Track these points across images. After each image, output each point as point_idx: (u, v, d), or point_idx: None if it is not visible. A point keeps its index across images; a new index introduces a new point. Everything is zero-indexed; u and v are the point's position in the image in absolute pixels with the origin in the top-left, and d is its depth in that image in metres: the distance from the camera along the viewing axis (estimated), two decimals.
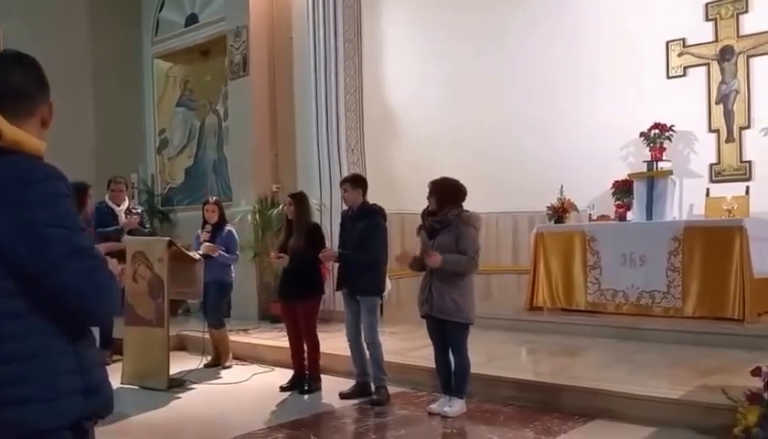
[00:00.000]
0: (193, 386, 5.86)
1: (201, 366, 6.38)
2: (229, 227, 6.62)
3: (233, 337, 6.96)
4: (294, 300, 5.43)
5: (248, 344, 7.05)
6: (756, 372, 3.83)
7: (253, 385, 5.87)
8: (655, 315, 6.94)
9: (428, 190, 4.81)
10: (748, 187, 8.61)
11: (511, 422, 4.55)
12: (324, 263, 5.67)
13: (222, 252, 6.30)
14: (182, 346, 7.38)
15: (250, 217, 8.48)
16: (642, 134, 9.57)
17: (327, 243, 5.84)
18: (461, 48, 10.15)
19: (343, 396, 5.19)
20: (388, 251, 5.28)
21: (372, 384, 5.17)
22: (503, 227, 10.34)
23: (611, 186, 9.50)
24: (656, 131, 9.42)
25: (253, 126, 9.08)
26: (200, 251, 6.20)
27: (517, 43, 10.22)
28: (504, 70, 10.19)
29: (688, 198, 9.24)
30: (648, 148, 9.54)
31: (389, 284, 5.93)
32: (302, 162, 8.59)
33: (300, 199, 5.65)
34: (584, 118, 9.87)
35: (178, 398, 5.52)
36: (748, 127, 9.04)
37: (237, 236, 6.64)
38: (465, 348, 4.72)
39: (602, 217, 9.27)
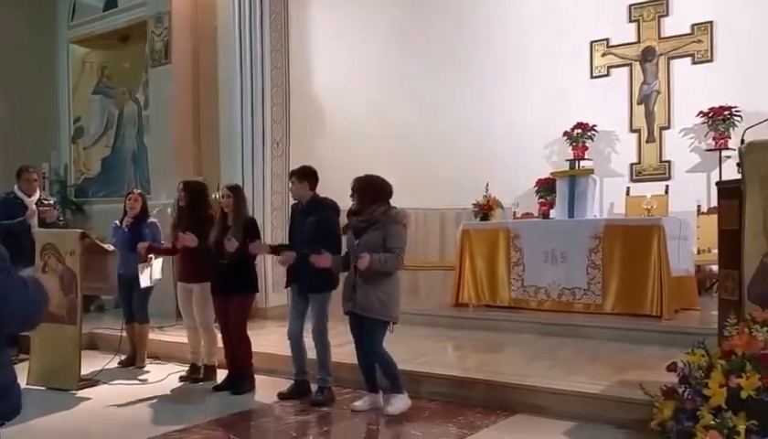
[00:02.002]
0: (105, 386, 5.61)
1: (115, 365, 6.15)
2: (152, 219, 6.43)
3: (149, 335, 6.70)
4: (229, 296, 5.26)
5: (164, 342, 6.80)
6: (671, 368, 3.92)
7: (170, 384, 5.66)
8: (575, 312, 7.07)
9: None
10: (667, 187, 8.94)
11: (435, 417, 4.54)
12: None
13: (156, 264, 6.18)
14: (93, 344, 7.05)
15: (170, 210, 8.20)
16: (565, 134, 9.82)
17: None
18: (390, 44, 10.13)
19: (281, 396, 5.05)
20: (341, 245, 5.14)
21: (315, 384, 5.02)
22: (430, 223, 10.39)
23: (535, 184, 9.69)
24: (579, 130, 9.69)
25: (175, 116, 8.77)
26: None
27: (446, 41, 10.28)
28: (432, 68, 10.23)
29: (609, 197, 9.53)
30: (571, 147, 9.79)
31: None
32: (225, 154, 8.35)
33: (238, 192, 5.46)
34: (510, 117, 10.04)
35: (89, 398, 5.27)
36: (668, 127, 9.40)
37: (160, 227, 6.47)
38: (381, 345, 4.64)
39: (527, 214, 9.46)
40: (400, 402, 4.57)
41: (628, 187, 9.22)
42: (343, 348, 5.63)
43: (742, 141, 4.06)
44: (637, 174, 9.49)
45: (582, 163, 9.62)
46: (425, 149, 10.03)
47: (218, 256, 5.21)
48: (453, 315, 7.67)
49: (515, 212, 9.49)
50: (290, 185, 5.23)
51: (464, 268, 7.93)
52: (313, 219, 4.98)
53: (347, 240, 4.78)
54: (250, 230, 5.28)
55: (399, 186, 10.29)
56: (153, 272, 6.14)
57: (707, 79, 8.96)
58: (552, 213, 8.80)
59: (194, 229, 5.46)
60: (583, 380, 4.76)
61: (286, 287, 5.19)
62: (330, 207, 5.08)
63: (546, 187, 9.38)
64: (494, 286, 7.74)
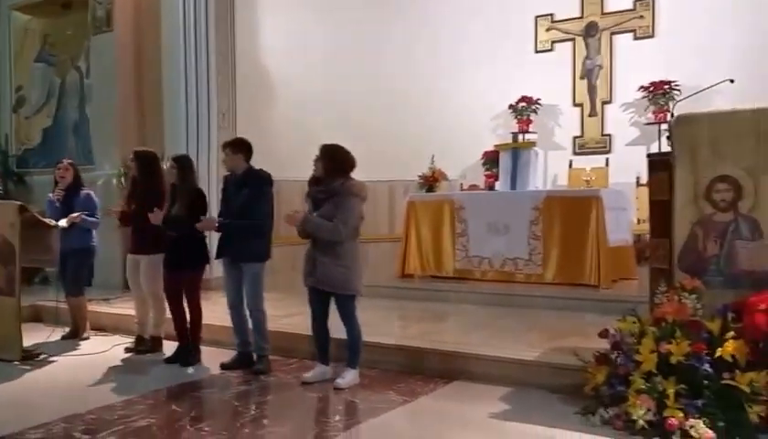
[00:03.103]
0: (48, 358, 5.52)
1: (58, 338, 6.06)
2: (86, 190, 6.25)
3: (94, 307, 6.63)
4: (180, 269, 5.21)
5: (110, 314, 6.71)
6: (604, 335, 4.08)
7: (115, 356, 5.61)
8: (517, 282, 7.25)
9: (314, 155, 4.66)
10: (608, 160, 9.18)
11: (375, 385, 4.61)
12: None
13: (85, 217, 5.96)
14: (37, 317, 6.92)
15: (114, 181, 8.04)
16: (511, 107, 9.97)
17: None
18: (340, 13, 10.03)
19: (224, 367, 5.04)
20: (274, 217, 5.12)
21: (254, 354, 5.05)
22: (380, 195, 10.42)
23: (481, 156, 9.83)
24: (524, 104, 9.84)
25: (117, 85, 8.55)
26: (64, 223, 5.82)
27: (396, 13, 10.25)
28: (382, 40, 10.20)
29: (553, 170, 9.76)
30: (516, 120, 9.96)
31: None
32: (169, 125, 8.18)
33: (184, 163, 5.36)
34: (457, 90, 10.13)
35: (32, 370, 5.20)
36: (610, 102, 9.62)
37: (96, 199, 6.28)
38: (356, 318, 4.68)
39: (473, 186, 9.60)
40: (351, 376, 4.62)
41: (571, 160, 9.44)
42: (291, 319, 5.69)
43: (672, 115, 4.21)
44: (579, 147, 9.72)
45: (527, 136, 9.81)
46: (375, 121, 10.03)
47: (169, 229, 5.15)
48: (399, 286, 7.76)
49: (461, 184, 9.63)
50: (223, 156, 5.17)
51: (409, 239, 8.02)
52: (247, 190, 4.95)
53: (306, 210, 4.75)
54: (198, 202, 5.22)
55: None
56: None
57: (648, 54, 9.19)
58: (497, 185, 8.95)
59: (147, 200, 5.36)
60: (521, 348, 4.89)
61: (217, 258, 5.15)
62: (264, 178, 5.05)
63: (491, 160, 9.53)
64: (439, 257, 7.86)
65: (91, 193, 6.29)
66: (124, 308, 6.61)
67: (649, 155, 4.42)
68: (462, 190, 9.08)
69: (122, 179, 7.84)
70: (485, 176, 9.79)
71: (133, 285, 5.77)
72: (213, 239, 5.39)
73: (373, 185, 10.01)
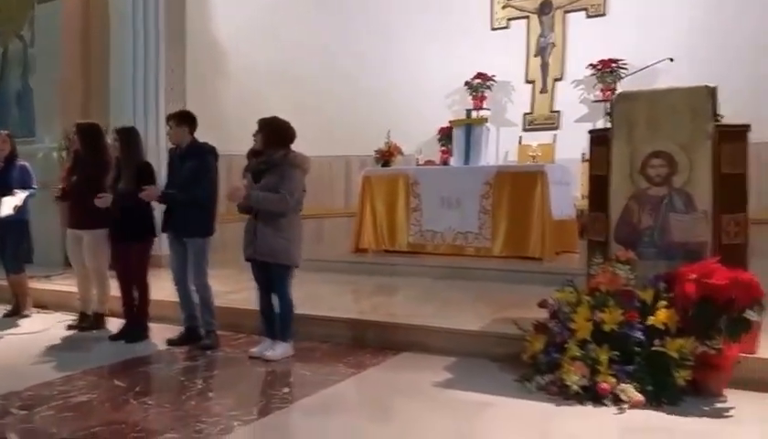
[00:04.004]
0: None
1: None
2: (21, 161, 6.12)
3: (35, 284, 6.50)
4: (126, 243, 5.13)
5: (52, 291, 6.60)
6: (542, 304, 4.20)
7: (57, 333, 5.52)
8: (467, 255, 7.37)
9: (256, 128, 4.64)
10: (555, 136, 9.33)
11: (325, 358, 4.66)
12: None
13: (23, 197, 5.87)
14: None
15: (55, 154, 7.86)
16: (466, 83, 10.03)
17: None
18: None
19: (171, 342, 5.01)
20: (218, 191, 5.09)
21: (201, 329, 5.02)
22: (336, 170, 10.44)
23: (437, 132, 9.90)
24: (479, 80, 9.91)
25: (62, 56, 8.33)
26: (9, 211, 5.69)
27: None
28: (337, 15, 10.14)
29: (505, 146, 9.89)
30: (471, 97, 10.04)
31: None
32: (116, 98, 7.98)
33: (127, 135, 5.25)
34: (414, 66, 10.16)
35: None
36: (561, 79, 9.74)
37: (32, 170, 6.16)
38: (289, 291, 4.69)
39: (429, 162, 9.65)
40: (282, 349, 4.63)
41: (520, 136, 9.57)
42: (239, 295, 5.69)
43: (612, 91, 4.31)
44: (529, 123, 9.85)
45: (481, 112, 9.90)
46: (331, 97, 10.01)
47: (113, 203, 5.07)
48: (353, 261, 7.81)
49: (417, 159, 9.67)
50: (167, 129, 5.10)
51: (364, 214, 8.07)
52: (191, 163, 4.91)
53: (247, 182, 4.73)
54: (144, 176, 5.14)
55: (304, 133, 10.24)
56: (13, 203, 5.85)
57: (599, 32, 9.32)
58: (451, 161, 9.04)
59: (90, 174, 5.28)
60: (467, 319, 5.00)
61: (162, 232, 5.11)
62: (208, 151, 5.01)
63: (446, 135, 9.62)
64: (393, 232, 7.93)
65: (27, 165, 6.16)
66: (66, 285, 6.49)
67: (590, 132, 4.53)
68: (418, 165, 9.13)
69: (64, 153, 7.66)
70: (441, 151, 9.88)
71: (74, 261, 5.65)
72: (160, 213, 5.33)
73: (329, 160, 10.19)
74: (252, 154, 4.67)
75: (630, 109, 4.15)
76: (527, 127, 9.84)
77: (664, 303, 3.69)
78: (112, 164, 5.28)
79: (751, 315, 3.51)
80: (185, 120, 5.03)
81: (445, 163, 9.28)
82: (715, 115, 3.90)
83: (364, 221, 8.07)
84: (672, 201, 3.97)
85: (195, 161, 4.92)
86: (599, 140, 4.31)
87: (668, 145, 3.96)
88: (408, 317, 5.19)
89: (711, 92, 3.89)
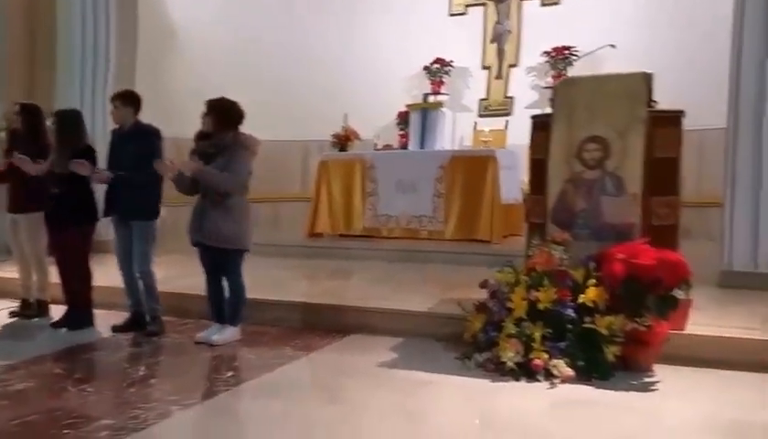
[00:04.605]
0: None
1: None
2: None
3: None
4: (65, 228, 5.00)
5: None
6: (483, 285, 4.31)
7: None
8: (421, 238, 7.49)
9: (204, 110, 4.61)
10: (507, 122, 9.45)
11: (273, 341, 4.70)
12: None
13: None
14: None
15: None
16: (425, 68, 10.11)
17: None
18: None
19: (116, 329, 4.96)
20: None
21: (147, 315, 4.99)
22: (293, 155, 10.42)
23: (396, 116, 9.96)
24: (438, 66, 9.98)
25: (7, 34, 8.03)
26: None
27: None
28: (297, 1, 10.09)
29: (461, 131, 9.98)
30: (430, 82, 10.11)
31: (163, 211, 5.72)
32: (63, 78, 7.80)
33: (62, 118, 5.11)
34: (373, 51, 10.17)
35: None
36: (516, 66, 9.86)
37: None
38: (240, 276, 4.69)
39: (388, 146, 9.69)
40: (229, 333, 4.65)
41: (476, 122, 9.67)
42: (188, 280, 5.67)
43: (557, 77, 4.41)
44: (484, 109, 9.96)
45: (439, 97, 9.98)
46: (290, 81, 9.96)
47: (51, 185, 4.97)
48: (308, 245, 7.87)
49: (375, 144, 9.71)
50: (111, 109, 5.05)
51: (320, 199, 8.12)
52: (134, 145, 4.84)
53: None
54: (86, 158, 4.94)
55: (261, 116, 10.18)
56: None
57: (553, 20, 9.43)
58: (409, 145, 9.11)
59: (32, 156, 5.09)
60: (416, 300, 5.09)
61: (105, 216, 5.05)
62: (153, 132, 4.95)
63: (405, 120, 9.68)
64: (349, 216, 8.00)
65: None
66: (7, 271, 6.35)
67: (532, 117, 4.64)
68: (377, 150, 9.17)
69: (3, 134, 7.48)
70: (399, 135, 9.92)
71: (13, 246, 5.52)
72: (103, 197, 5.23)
73: (287, 144, 10.17)
74: (200, 136, 4.66)
75: (571, 94, 4.27)
76: (482, 113, 9.94)
77: (593, 281, 3.82)
78: (51, 147, 5.15)
79: (678, 293, 3.66)
80: (131, 100, 4.97)
81: (404, 147, 9.33)
82: (650, 101, 4.03)
83: (320, 206, 8.12)
84: (604, 184, 4.10)
85: (139, 143, 4.85)
86: (540, 125, 4.42)
87: (605, 130, 4.09)
88: (357, 300, 5.27)
89: (647, 79, 4.02)
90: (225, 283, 4.74)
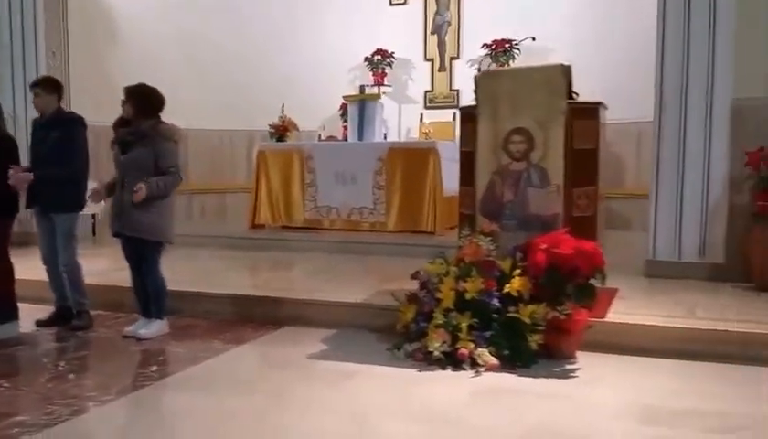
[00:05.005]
0: None
1: None
2: None
3: None
4: None
5: None
6: (415, 276, 4.34)
7: None
8: (363, 230, 7.49)
9: (123, 97, 4.51)
10: (455, 113, 9.50)
11: (204, 334, 4.64)
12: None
13: None
14: None
15: None
16: (366, 59, 10.08)
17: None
18: None
19: (40, 323, 4.83)
20: (89, 162, 4.89)
21: (73, 309, 4.86)
22: (239, 144, 10.31)
23: (339, 107, 9.92)
24: (379, 57, 9.97)
25: None
26: None
27: None
28: None
29: (407, 123, 10.03)
30: (372, 73, 10.09)
31: (102, 202, 5.57)
32: None
33: None
34: (319, 40, 10.11)
35: None
36: (457, 58, 9.92)
37: None
38: (159, 268, 4.62)
39: (331, 137, 9.67)
40: (156, 327, 4.58)
41: (422, 114, 9.71)
42: (122, 272, 5.52)
43: (478, 69, 4.45)
44: (430, 101, 10.01)
45: (382, 89, 9.98)
46: (235, 71, 9.84)
47: None
48: (250, 237, 7.80)
49: (320, 135, 9.67)
50: (33, 96, 4.88)
51: (260, 190, 8.04)
52: (57, 133, 4.69)
53: (114, 155, 4.61)
54: (4, 150, 4.75)
55: (204, 105, 10.03)
56: None
57: (493, 12, 9.51)
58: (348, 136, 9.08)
59: None
60: (353, 292, 5.07)
61: (27, 208, 4.89)
62: (75, 121, 4.81)
63: (347, 111, 9.62)
64: (289, 207, 7.96)
65: None
66: None
67: (461, 109, 4.67)
68: (320, 141, 9.13)
69: None
70: (343, 127, 9.87)
71: None
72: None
73: (231, 134, 10.05)
74: (119, 123, 4.55)
75: (493, 86, 4.30)
76: (428, 105, 10.00)
77: (519, 271, 3.88)
78: None
79: (594, 282, 3.75)
80: (54, 87, 4.81)
81: (347, 138, 9.31)
82: (570, 93, 4.10)
83: (260, 197, 8.05)
84: (530, 176, 4.17)
85: (61, 131, 4.69)
86: (467, 117, 4.46)
87: (528, 122, 4.15)
88: (292, 292, 5.24)
89: (566, 71, 4.08)
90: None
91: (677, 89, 5.11)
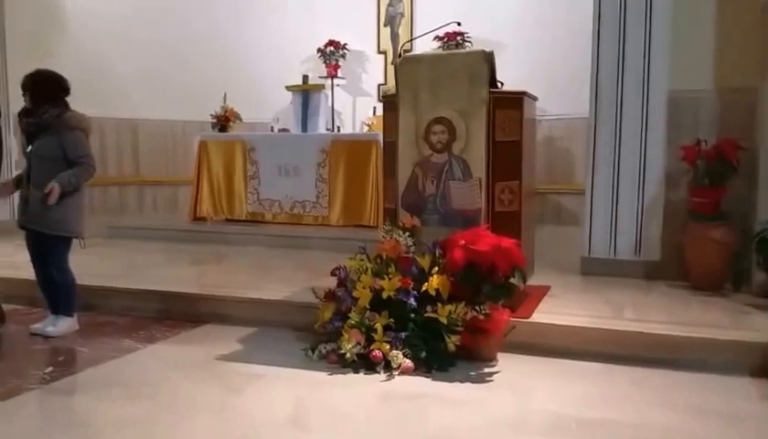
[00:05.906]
0: None
1: None
2: None
3: None
4: None
5: None
6: (333, 272, 4.13)
7: None
8: (305, 224, 7.27)
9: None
10: None
11: (116, 332, 4.40)
12: None
13: None
14: None
15: None
16: (319, 50, 9.84)
17: None
18: None
19: None
20: (3, 156, 4.64)
21: None
22: (188, 135, 10.00)
23: (291, 99, 9.65)
24: (332, 48, 9.73)
25: None
26: None
27: None
28: None
29: (361, 116, 9.82)
30: (325, 65, 9.85)
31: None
32: None
33: None
34: (272, 30, 9.85)
35: None
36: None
37: None
38: (66, 264, 4.37)
39: (284, 129, 9.42)
40: (64, 325, 4.35)
41: (375, 107, 9.50)
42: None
43: (401, 55, 4.25)
44: (383, 94, 9.78)
45: (336, 81, 9.77)
46: (185, 61, 9.54)
47: None
48: (190, 230, 7.55)
49: (272, 127, 9.42)
50: None
51: (201, 181, 7.79)
52: None
53: (21, 145, 4.38)
54: None
55: (154, 95, 9.69)
56: None
57: (444, 4, 9.31)
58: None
59: None
60: (281, 288, 4.85)
61: None
62: None
63: None
64: (231, 200, 7.72)
65: None
66: None
67: (383, 97, 4.47)
68: (272, 132, 8.87)
69: None
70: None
71: None
72: None
73: (181, 124, 9.74)
74: (24, 113, 4.28)
75: (413, 73, 4.09)
76: (381, 98, 9.77)
77: (437, 269, 3.70)
78: None
79: (515, 281, 3.57)
80: None
81: None
82: (494, 82, 3.91)
83: (201, 189, 7.79)
84: (452, 168, 3.98)
85: None
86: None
87: (449, 112, 3.95)
88: (215, 288, 5.03)
89: (488, 57, 3.88)
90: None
91: (612, 81, 4.96)
